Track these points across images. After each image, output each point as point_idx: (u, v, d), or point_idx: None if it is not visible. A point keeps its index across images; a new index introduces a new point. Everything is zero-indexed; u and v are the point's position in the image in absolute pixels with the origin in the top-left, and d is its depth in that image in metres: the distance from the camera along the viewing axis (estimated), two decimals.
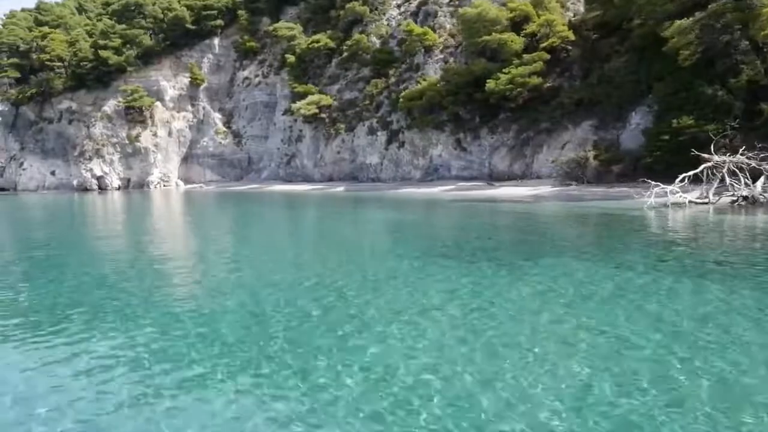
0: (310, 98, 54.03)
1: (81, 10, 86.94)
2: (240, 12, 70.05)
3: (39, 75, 74.09)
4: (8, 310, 8.69)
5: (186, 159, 70.88)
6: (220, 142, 68.37)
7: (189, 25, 69.74)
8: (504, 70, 36.69)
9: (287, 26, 61.47)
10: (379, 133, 45.67)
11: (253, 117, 67.65)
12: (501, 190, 32.89)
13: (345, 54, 55.45)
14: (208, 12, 69.83)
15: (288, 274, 10.88)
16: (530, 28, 38.27)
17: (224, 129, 69.04)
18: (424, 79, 42.66)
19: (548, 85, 37.26)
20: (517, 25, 38.90)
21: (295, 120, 58.08)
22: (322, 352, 6.08)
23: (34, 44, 74.04)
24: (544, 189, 30.79)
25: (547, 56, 36.61)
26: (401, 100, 42.59)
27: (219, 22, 70.60)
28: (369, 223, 22.30)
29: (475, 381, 5.16)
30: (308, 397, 5.00)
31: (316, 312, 7.70)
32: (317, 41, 57.04)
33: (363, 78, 52.63)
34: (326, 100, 53.31)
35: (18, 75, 73.66)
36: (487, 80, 36.76)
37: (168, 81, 70.98)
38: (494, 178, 37.28)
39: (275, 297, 8.71)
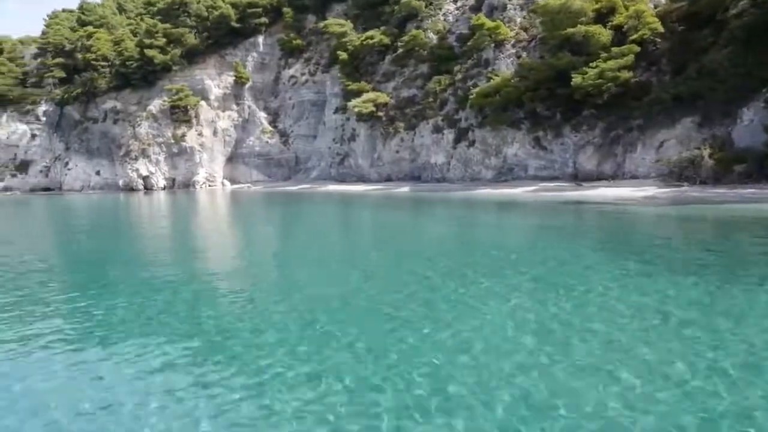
0: (365, 96, 52.04)
1: (121, 9, 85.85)
2: (285, 9, 68.26)
3: (83, 75, 73.16)
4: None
5: (231, 159, 69.38)
6: (267, 142, 66.69)
7: (234, 23, 68.15)
8: (591, 65, 34.32)
9: (338, 23, 59.51)
10: (445, 132, 43.44)
11: (300, 116, 65.86)
12: (597, 191, 30.49)
13: (400, 50, 53.32)
14: (253, 10, 68.13)
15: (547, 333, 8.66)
16: (617, 19, 35.82)
17: (270, 128, 67.36)
18: (496, 75, 40.37)
19: (635, 79, 34.84)
20: (601, 16, 36.47)
21: (348, 118, 56.15)
22: None
23: (79, 44, 73.08)
24: (651, 190, 28.35)
25: (638, 49, 34.12)
26: (472, 96, 40.33)
27: (263, 20, 68.88)
28: (512, 230, 20.13)
29: None
30: None
31: None
32: (371, 37, 55.00)
33: (421, 75, 50.47)
34: (383, 97, 51.27)
35: (63, 75, 72.73)
36: (572, 75, 34.43)
37: (212, 80, 69.54)
38: (580, 178, 34.89)
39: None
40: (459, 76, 44.11)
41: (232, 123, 69.17)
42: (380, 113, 50.98)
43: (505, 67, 40.91)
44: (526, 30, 41.39)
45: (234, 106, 69.62)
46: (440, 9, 54.45)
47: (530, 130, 38.00)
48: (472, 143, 41.31)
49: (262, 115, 68.18)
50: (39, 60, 75.25)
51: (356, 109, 51.17)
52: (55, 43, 72.19)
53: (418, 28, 53.43)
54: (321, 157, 60.76)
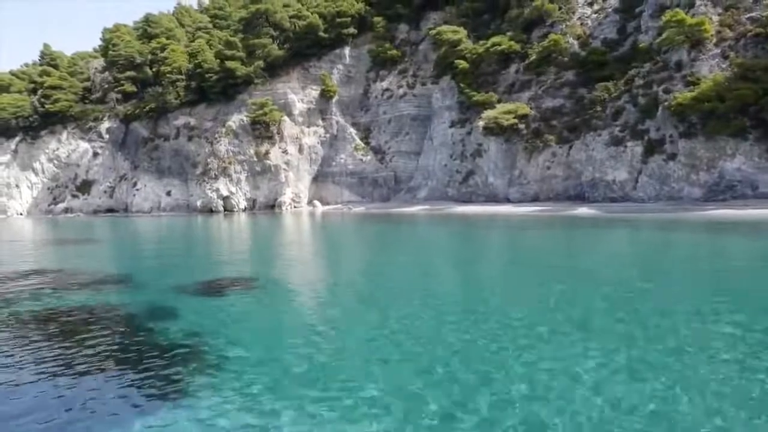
0: (501, 107, 45.04)
1: (180, 23, 78.81)
2: (376, 19, 61.57)
3: (151, 89, 65.81)
4: None
5: (316, 178, 61.84)
6: (361, 159, 59.20)
7: (322, 34, 61.25)
8: None
9: (452, 29, 52.65)
10: (629, 144, 36.35)
11: (398, 131, 58.60)
12: None
13: (534, 57, 46.61)
14: (342, 19, 61.28)
15: None
16: None
17: (363, 145, 59.99)
18: (700, 79, 33.52)
19: None
20: None
21: (469, 132, 49.07)
22: None
23: (150, 56, 65.83)
24: None
25: None
26: (673, 103, 33.36)
27: (351, 30, 62.04)
28: None
29: None
30: None
31: None
32: (498, 44, 48.20)
33: (567, 83, 43.71)
34: (523, 108, 44.23)
35: (134, 89, 65.28)
36: None
37: (296, 94, 62.32)
38: None
39: None
40: (639, 81, 37.19)
41: (319, 139, 61.81)
42: (521, 125, 43.94)
43: (708, 69, 34.07)
44: (730, 27, 34.68)
45: (320, 122, 62.31)
46: (573, 13, 48.05)
47: (759, 139, 30.99)
48: (671, 156, 34.18)
49: (352, 131, 60.88)
50: (105, 74, 67.85)
51: (494, 122, 44.09)
52: (126, 56, 64.68)
53: (548, 33, 46.95)
54: (428, 176, 53.37)
